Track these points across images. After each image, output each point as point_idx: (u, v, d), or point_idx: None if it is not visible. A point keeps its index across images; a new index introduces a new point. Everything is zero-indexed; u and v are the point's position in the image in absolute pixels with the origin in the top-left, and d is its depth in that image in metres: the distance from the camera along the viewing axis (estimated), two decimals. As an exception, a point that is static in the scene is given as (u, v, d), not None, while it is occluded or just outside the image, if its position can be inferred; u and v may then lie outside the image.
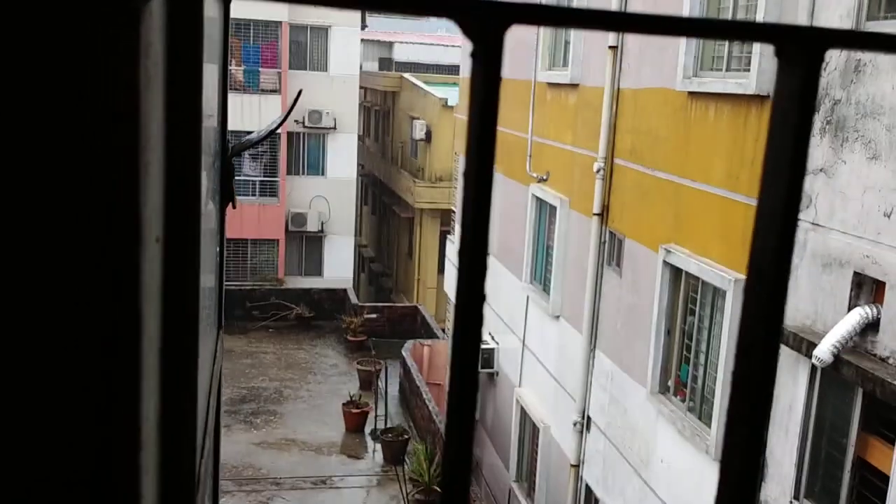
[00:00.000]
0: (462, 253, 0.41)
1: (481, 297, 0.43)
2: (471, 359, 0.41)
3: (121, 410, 0.49)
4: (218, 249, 1.95)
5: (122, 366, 0.48)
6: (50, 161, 0.44)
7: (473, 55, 0.38)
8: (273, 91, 25.26)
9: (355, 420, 17.72)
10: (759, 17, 7.36)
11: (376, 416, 17.55)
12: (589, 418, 11.00)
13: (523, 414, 13.33)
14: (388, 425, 17.23)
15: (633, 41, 10.01)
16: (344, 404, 17.91)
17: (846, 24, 6.36)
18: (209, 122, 1.44)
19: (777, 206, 0.40)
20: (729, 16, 8.16)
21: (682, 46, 8.66)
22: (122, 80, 0.42)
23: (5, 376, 0.48)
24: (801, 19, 6.83)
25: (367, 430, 17.75)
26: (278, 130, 25.39)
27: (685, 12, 8.60)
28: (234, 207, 2.09)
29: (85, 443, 0.52)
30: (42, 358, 0.49)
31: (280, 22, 25.33)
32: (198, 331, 0.88)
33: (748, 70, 7.66)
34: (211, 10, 1.37)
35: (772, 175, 0.40)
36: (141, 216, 0.45)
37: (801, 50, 0.39)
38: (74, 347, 0.49)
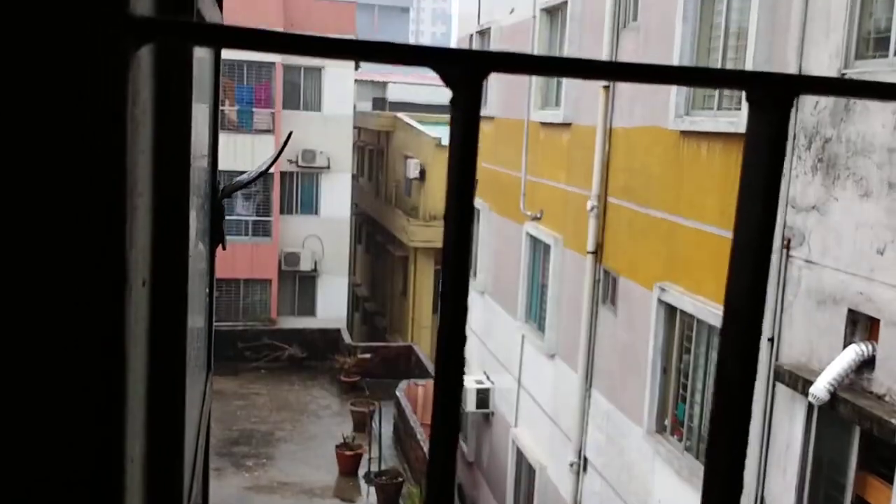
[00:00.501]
0: (443, 295, 0.41)
1: (462, 339, 0.43)
2: (453, 401, 0.40)
3: (104, 453, 0.48)
4: (208, 291, 1.95)
5: (105, 408, 0.47)
6: (35, 206, 0.44)
7: (452, 102, 0.38)
8: (267, 131, 25.41)
9: (349, 462, 17.52)
10: (749, 56, 7.46)
11: (370, 459, 17.36)
12: (586, 459, 10.90)
13: (519, 454, 13.20)
14: (383, 468, 17.04)
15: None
16: (337, 446, 17.72)
17: (835, 63, 6.45)
18: (199, 162, 1.45)
19: (751, 246, 0.40)
20: (719, 55, 8.27)
21: (674, 86, 8.76)
22: (109, 126, 0.42)
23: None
24: (791, 58, 6.93)
25: (361, 472, 17.54)
26: (271, 170, 25.49)
27: (675, 52, 8.72)
28: (223, 248, 2.09)
29: (68, 485, 0.51)
30: (23, 400, 0.48)
31: (274, 63, 25.58)
32: (185, 373, 0.87)
33: (739, 109, 7.75)
34: (201, 50, 1.38)
35: (745, 218, 0.40)
36: (127, 260, 0.45)
37: (772, 96, 0.39)
38: (58, 391, 0.48)
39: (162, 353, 0.72)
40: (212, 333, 2.10)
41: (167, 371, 0.73)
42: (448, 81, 0.37)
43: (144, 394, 0.67)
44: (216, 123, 2.08)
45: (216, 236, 1.97)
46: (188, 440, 1.04)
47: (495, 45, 14.77)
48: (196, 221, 1.34)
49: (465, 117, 0.38)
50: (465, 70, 0.37)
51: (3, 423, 0.49)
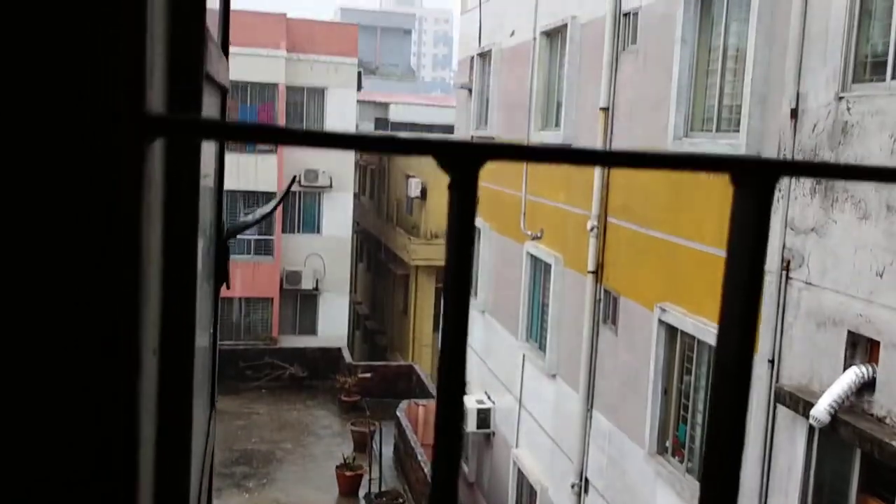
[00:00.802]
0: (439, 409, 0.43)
1: (463, 361, 0.45)
2: (455, 422, 0.42)
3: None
4: (212, 331, 1.97)
5: (116, 475, 0.49)
6: (56, 287, 0.46)
7: (450, 187, 0.41)
8: (270, 151, 25.52)
9: (349, 483, 17.44)
10: (748, 79, 7.51)
11: (370, 479, 17.28)
12: (587, 480, 10.86)
13: (520, 475, 13.15)
14: (383, 488, 16.96)
15: (623, 102, 10.19)
16: (337, 467, 17.65)
17: (833, 86, 6.49)
18: (205, 209, 1.47)
19: (737, 320, 0.42)
20: (717, 78, 8.32)
21: (673, 107, 8.81)
22: (126, 218, 0.45)
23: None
24: (788, 81, 6.97)
25: (362, 493, 17.45)
26: (273, 189, 25.56)
27: (674, 74, 8.78)
28: (227, 288, 2.11)
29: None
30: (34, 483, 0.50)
31: (277, 84, 25.72)
32: (190, 444, 0.89)
33: (738, 131, 7.79)
34: (207, 108, 1.42)
35: (731, 292, 0.42)
36: (141, 337, 0.47)
37: (754, 179, 0.42)
38: (68, 471, 0.50)
39: (168, 422, 0.74)
40: (215, 373, 2.12)
41: (173, 441, 0.75)
42: (447, 169, 0.40)
43: (153, 463, 0.69)
44: (222, 165, 2.11)
45: (221, 276, 1.99)
46: (192, 480, 1.06)
47: (495, 66, 14.87)
48: (202, 264, 1.36)
49: (463, 201, 0.40)
50: (463, 160, 0.39)
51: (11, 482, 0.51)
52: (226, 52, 2.09)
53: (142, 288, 0.46)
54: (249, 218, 3.08)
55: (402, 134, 0.42)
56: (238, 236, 27.37)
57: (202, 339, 1.39)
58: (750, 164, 0.42)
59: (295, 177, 4.18)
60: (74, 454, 0.47)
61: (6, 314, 0.45)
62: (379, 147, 0.39)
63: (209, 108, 1.38)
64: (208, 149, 1.59)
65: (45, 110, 0.43)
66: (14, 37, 0.43)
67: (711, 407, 0.43)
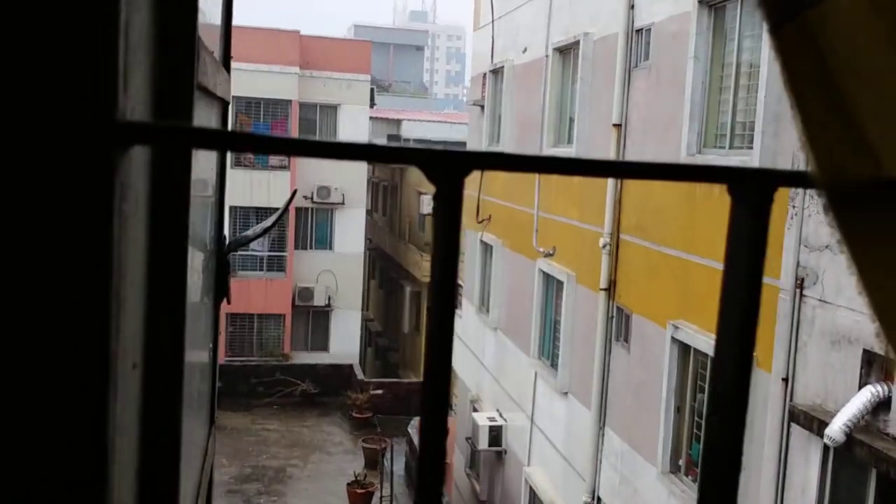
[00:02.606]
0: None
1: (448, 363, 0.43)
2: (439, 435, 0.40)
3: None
4: (211, 346, 1.95)
5: (88, 478, 0.48)
6: (22, 297, 0.45)
7: (435, 197, 0.39)
8: (282, 167, 25.64)
9: (360, 501, 17.37)
10: (761, 95, 7.48)
11: (381, 497, 17.20)
12: (599, 499, 10.76)
13: (532, 494, 13.05)
14: (395, 505, 16.89)
15: (636, 118, 10.18)
16: (349, 484, 17.59)
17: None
18: (204, 222, 1.46)
19: (733, 335, 0.41)
20: (731, 94, 8.30)
21: (686, 124, 8.79)
22: (94, 224, 0.43)
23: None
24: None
25: (373, 510, 17.39)
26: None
27: (687, 90, 8.76)
28: (228, 303, 2.10)
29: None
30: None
31: (290, 101, 25.87)
32: (179, 456, 0.88)
33: (751, 147, 7.75)
34: (205, 120, 1.41)
35: (728, 306, 0.40)
36: (110, 344, 0.46)
37: (752, 190, 0.40)
38: (35, 479, 0.48)
39: (155, 437, 0.73)
40: (215, 388, 2.11)
41: (161, 456, 0.74)
42: (432, 178, 0.38)
43: (135, 473, 0.68)
44: (223, 174, 2.11)
45: (221, 291, 1.98)
46: (186, 493, 1.04)
47: (508, 83, 14.90)
48: (201, 276, 1.35)
49: (448, 211, 0.39)
50: (448, 170, 0.38)
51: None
52: (227, 67, 2.09)
53: (111, 298, 0.45)
54: (250, 232, 3.08)
55: (383, 142, 0.41)
56: (250, 253, 27.48)
57: (198, 355, 1.38)
58: (746, 173, 0.40)
59: (295, 191, 4.21)
60: (40, 467, 0.46)
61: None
62: (360, 156, 0.38)
63: (205, 118, 1.38)
64: (207, 163, 1.59)
65: (7, 114, 0.42)
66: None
67: (708, 415, 0.42)
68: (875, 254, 0.41)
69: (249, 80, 23.85)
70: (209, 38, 1.36)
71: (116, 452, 0.51)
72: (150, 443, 0.72)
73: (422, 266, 26.09)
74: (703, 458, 0.45)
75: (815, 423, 6.35)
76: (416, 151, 0.38)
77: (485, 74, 16.12)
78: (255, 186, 24.40)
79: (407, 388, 23.70)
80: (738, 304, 0.39)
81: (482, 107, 16.30)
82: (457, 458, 17.18)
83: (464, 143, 26.66)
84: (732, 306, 0.39)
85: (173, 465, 0.82)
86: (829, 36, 0.38)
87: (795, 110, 0.41)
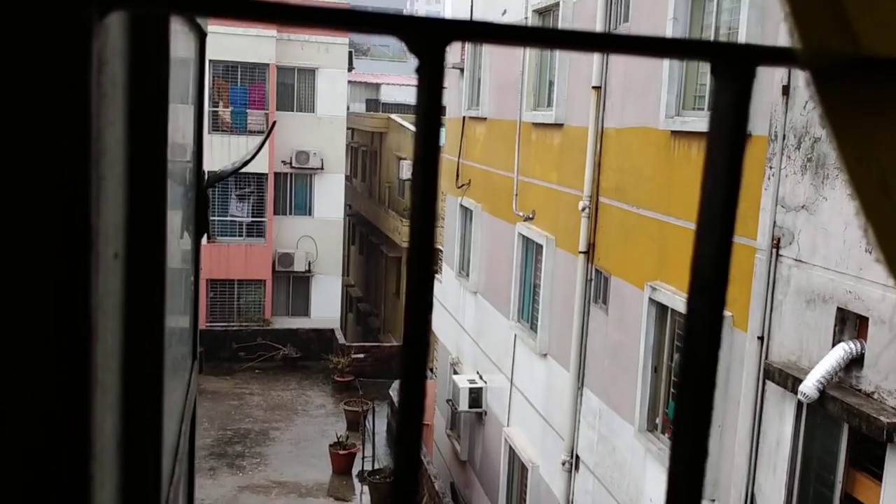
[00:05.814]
0: (409, 275, 0.42)
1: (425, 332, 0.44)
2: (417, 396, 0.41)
3: (71, 425, 0.48)
4: (193, 279, 1.95)
5: (71, 381, 0.48)
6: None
7: (418, 70, 0.39)
8: (260, 132, 25.39)
9: (343, 462, 17.52)
10: (742, 35, 7.48)
11: (364, 458, 17.36)
12: (577, 457, 10.92)
13: (512, 454, 13.22)
14: (376, 466, 17.04)
15: (616, 81, 10.16)
16: (331, 445, 17.72)
17: (823, 63, 6.47)
18: (182, 155, 1.45)
19: (714, 223, 0.41)
20: (712, 36, 8.29)
21: (665, 86, 8.79)
22: (69, 93, 0.43)
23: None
24: (783, 30, 6.95)
25: (355, 471, 17.55)
26: (265, 171, 25.44)
27: (665, 64, 8.73)
28: (209, 238, 2.10)
29: (30, 451, 0.51)
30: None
31: (268, 64, 25.56)
32: (163, 349, 0.88)
33: (729, 109, 7.76)
34: (184, 49, 1.39)
35: (709, 199, 0.41)
36: (92, 227, 0.45)
37: (734, 66, 0.41)
38: (16, 361, 0.48)
39: (137, 324, 0.73)
40: (197, 323, 2.11)
41: (143, 344, 0.74)
42: (412, 49, 0.38)
43: (118, 369, 0.68)
44: (201, 113, 2.09)
45: (201, 225, 1.98)
46: (169, 424, 1.05)
47: (487, 46, 14.78)
48: (180, 209, 1.35)
49: (430, 84, 0.39)
50: (429, 38, 0.38)
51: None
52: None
53: (91, 169, 0.44)
54: (229, 166, 3.06)
55: (361, 8, 0.41)
56: (230, 218, 27.25)
57: (180, 279, 1.37)
58: (729, 48, 0.41)
59: (274, 122, 4.17)
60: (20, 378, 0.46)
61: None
62: (335, 24, 0.38)
63: (183, 50, 1.36)
64: (185, 113, 1.57)
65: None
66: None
67: (684, 344, 0.42)
68: (854, 128, 0.42)
69: (227, 43, 23.50)
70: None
71: (99, 330, 0.52)
72: (134, 340, 0.72)
73: (401, 231, 26.06)
74: (676, 411, 0.45)
75: (789, 381, 6.47)
76: (397, 18, 0.38)
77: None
78: (234, 150, 24.17)
79: (388, 352, 23.81)
80: (721, 188, 0.39)
81: (461, 70, 16.18)
82: (438, 420, 17.34)
83: (444, 108, 26.49)
84: (716, 190, 0.39)
85: (157, 353, 0.82)
86: None
87: None
